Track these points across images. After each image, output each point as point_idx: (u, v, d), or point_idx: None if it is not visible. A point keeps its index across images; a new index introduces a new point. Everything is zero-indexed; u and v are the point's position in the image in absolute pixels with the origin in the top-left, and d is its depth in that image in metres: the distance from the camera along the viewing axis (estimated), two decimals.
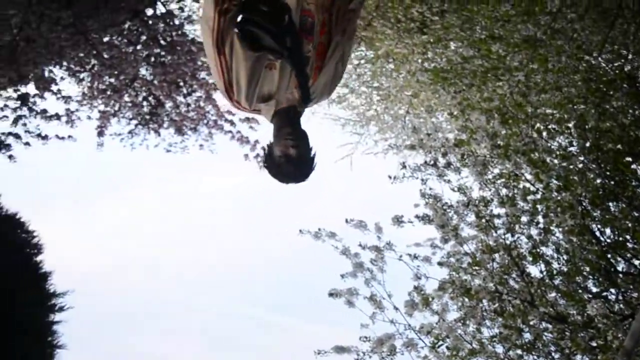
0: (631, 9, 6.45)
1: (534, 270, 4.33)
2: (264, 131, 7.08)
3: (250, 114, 1.70)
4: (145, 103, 7.58)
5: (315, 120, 9.15)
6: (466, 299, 4.16)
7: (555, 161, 4.79)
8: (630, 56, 6.09)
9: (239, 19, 1.68)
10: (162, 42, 7.66)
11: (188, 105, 7.50)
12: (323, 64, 1.81)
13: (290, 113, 1.76)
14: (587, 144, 4.93)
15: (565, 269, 4.27)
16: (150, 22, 7.68)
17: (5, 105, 6.99)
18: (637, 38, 6.08)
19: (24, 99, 7.10)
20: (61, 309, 5.43)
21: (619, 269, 4.28)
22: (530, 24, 6.59)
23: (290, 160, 1.71)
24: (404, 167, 4.72)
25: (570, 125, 5.25)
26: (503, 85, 5.77)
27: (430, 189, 4.74)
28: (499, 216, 4.62)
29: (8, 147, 6.30)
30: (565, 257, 4.33)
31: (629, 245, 4.38)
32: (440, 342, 4.08)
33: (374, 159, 8.33)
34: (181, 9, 8.32)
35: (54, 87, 7.31)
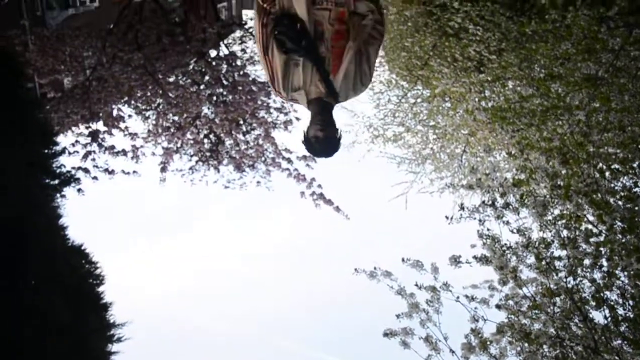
0: None
1: (598, 316, 4.16)
2: (321, 168, 7.19)
3: (291, 103, 2.27)
4: (206, 140, 7.86)
5: (370, 158, 9.20)
6: (526, 344, 4.03)
7: (619, 202, 4.62)
8: None
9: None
10: (224, 82, 7.98)
11: (247, 142, 7.72)
12: (340, 62, 2.23)
13: (320, 103, 2.20)
14: None
15: (632, 315, 4.08)
16: (214, 63, 8.04)
17: (77, 141, 7.41)
18: None
19: (94, 135, 7.51)
20: (119, 340, 5.57)
21: None
22: (592, 62, 6.45)
23: (319, 141, 2.17)
24: (462, 208, 4.67)
25: (635, 165, 5.08)
26: (563, 124, 5.65)
27: (488, 229, 4.66)
28: (560, 259, 4.48)
29: (77, 180, 6.62)
30: (631, 302, 4.14)
31: None
32: None
33: (429, 197, 8.26)
34: (243, 50, 8.66)
35: (121, 124, 7.71)
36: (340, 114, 8.78)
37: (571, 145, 5.37)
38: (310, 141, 2.17)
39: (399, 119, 8.89)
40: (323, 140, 2.16)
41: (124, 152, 7.53)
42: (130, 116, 7.81)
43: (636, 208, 4.43)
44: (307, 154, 7.33)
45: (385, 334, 4.14)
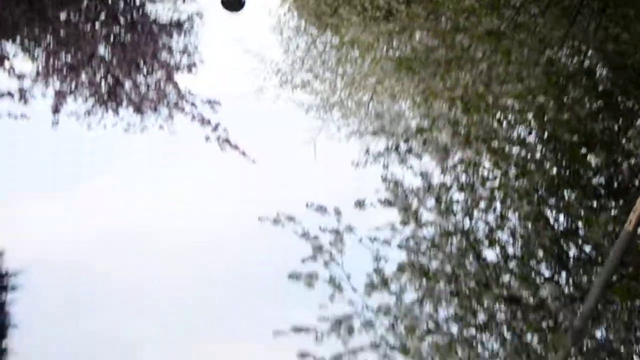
0: (591, 7, 6.66)
1: (490, 254, 4.43)
2: (226, 113, 7.01)
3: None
4: (103, 82, 7.39)
5: (279, 105, 9.09)
6: (424, 281, 4.23)
7: (514, 150, 4.90)
8: (589, 52, 6.30)
9: None
10: (121, 21, 7.49)
11: (148, 85, 7.34)
12: None
13: None
14: (546, 135, 5.07)
15: (520, 253, 4.39)
16: (109, 1, 7.51)
17: None
18: (596, 35, 6.28)
19: None
20: (13, 289, 5.30)
21: (571, 254, 4.43)
22: (494, 17, 6.72)
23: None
24: (367, 152, 4.78)
25: (530, 116, 5.38)
26: (465, 74, 5.86)
27: (392, 174, 4.81)
28: (457, 202, 4.71)
29: None
30: (520, 241, 4.45)
31: (581, 232, 4.53)
32: (398, 322, 4.14)
33: (337, 144, 8.33)
34: None
35: (6, 64, 7.05)
36: (247, 58, 8.57)
37: (473, 95, 5.59)
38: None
39: (307, 65, 8.81)
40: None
41: (10, 94, 6.91)
42: (15, 55, 7.15)
43: (529, 155, 4.71)
44: (212, 98, 7.16)
45: (290, 277, 4.20)
